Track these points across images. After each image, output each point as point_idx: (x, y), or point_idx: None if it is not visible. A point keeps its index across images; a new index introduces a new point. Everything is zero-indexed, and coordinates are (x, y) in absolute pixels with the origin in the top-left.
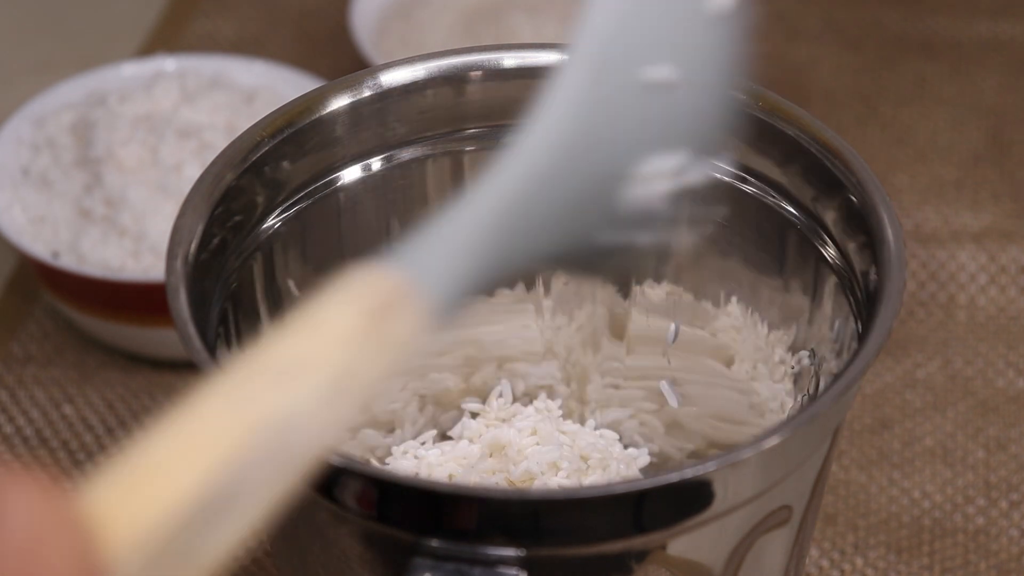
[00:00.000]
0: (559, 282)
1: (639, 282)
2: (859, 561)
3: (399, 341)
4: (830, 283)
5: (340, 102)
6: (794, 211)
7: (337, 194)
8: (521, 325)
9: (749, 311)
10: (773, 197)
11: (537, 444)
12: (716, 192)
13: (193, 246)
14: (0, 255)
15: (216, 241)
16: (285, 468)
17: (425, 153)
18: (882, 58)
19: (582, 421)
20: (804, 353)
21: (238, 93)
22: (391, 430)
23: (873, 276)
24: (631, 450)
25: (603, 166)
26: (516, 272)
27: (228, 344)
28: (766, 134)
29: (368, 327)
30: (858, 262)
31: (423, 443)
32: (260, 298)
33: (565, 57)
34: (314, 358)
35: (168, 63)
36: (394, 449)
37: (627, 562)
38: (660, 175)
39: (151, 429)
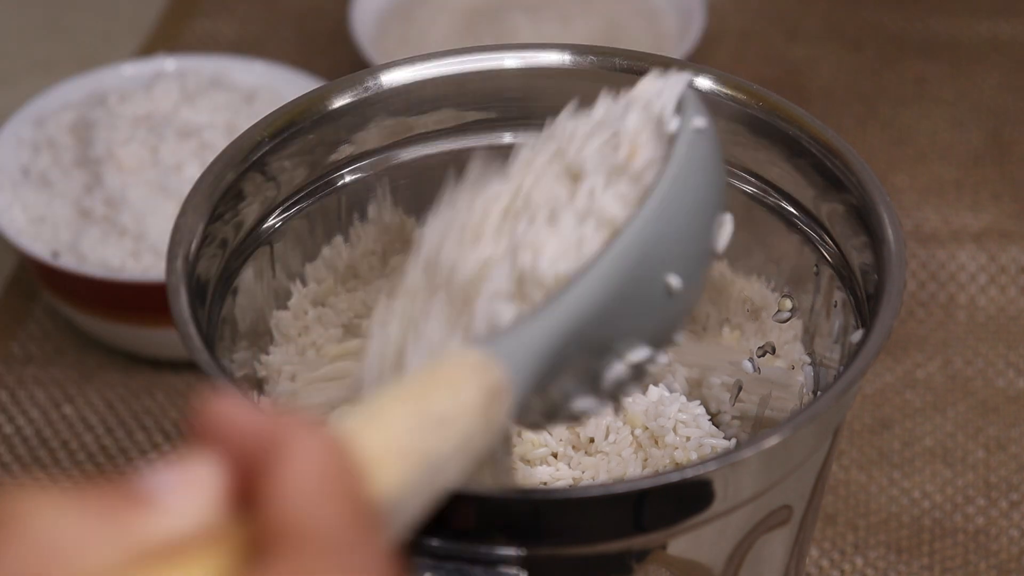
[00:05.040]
0: None
1: None
2: (859, 561)
3: (498, 422)
4: (830, 283)
5: (340, 102)
6: (794, 211)
7: (337, 194)
8: None
9: (749, 312)
10: (773, 197)
11: None
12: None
13: (193, 246)
14: (0, 255)
15: (216, 241)
16: (429, 495)
17: (425, 153)
18: (882, 58)
19: None
20: (804, 353)
21: (238, 93)
22: None
23: (873, 276)
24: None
25: (610, 340)
26: (539, 388)
27: (228, 344)
28: (766, 134)
29: (484, 405)
30: (858, 262)
31: None
32: (261, 298)
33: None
34: (453, 418)
35: (168, 63)
36: None
37: (627, 562)
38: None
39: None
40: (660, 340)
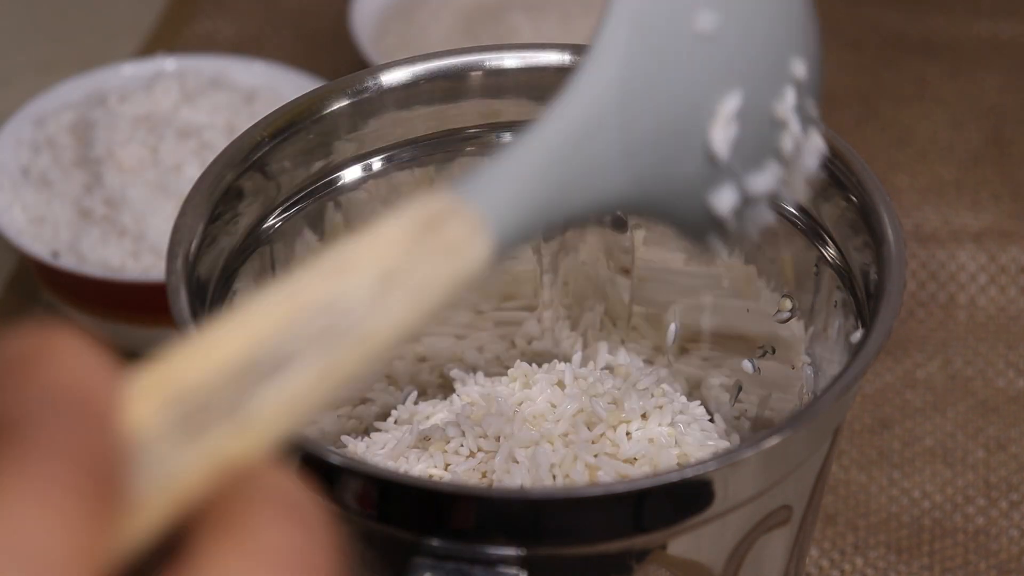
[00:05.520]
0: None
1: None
2: (859, 561)
3: (453, 245)
4: (830, 283)
5: (340, 102)
6: (794, 211)
7: (337, 194)
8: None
9: (748, 312)
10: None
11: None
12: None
13: (193, 246)
14: (0, 255)
15: (216, 241)
16: (338, 350)
17: (425, 153)
18: (882, 58)
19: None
20: (804, 353)
21: (238, 93)
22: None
23: (873, 276)
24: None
25: (674, 106)
26: (592, 209)
27: None
28: None
29: (418, 232)
30: (858, 262)
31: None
32: None
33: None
34: (362, 257)
35: (168, 63)
36: (400, 407)
37: (627, 562)
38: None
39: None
40: (750, 82)
